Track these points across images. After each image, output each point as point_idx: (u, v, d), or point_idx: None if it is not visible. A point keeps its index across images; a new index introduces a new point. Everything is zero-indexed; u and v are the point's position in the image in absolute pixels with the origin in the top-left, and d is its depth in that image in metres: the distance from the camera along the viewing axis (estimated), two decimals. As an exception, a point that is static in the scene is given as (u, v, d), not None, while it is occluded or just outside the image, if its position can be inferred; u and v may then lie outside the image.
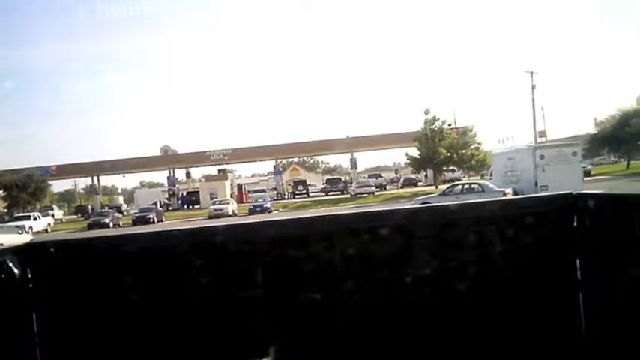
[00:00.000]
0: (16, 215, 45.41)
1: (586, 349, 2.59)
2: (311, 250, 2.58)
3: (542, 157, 26.88)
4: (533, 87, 59.60)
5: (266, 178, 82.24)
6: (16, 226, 37.97)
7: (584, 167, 51.57)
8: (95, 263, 2.54)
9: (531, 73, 58.79)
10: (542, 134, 67.84)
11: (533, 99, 59.54)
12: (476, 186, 28.59)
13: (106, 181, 75.61)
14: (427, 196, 31.39)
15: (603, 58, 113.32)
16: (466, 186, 29.03)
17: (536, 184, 26.16)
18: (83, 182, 76.68)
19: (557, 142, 34.88)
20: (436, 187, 44.98)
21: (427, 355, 2.59)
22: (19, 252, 2.45)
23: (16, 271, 2.38)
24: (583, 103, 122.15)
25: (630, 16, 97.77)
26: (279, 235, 2.63)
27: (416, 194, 38.78)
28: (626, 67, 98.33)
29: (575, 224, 2.62)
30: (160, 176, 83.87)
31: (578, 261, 2.62)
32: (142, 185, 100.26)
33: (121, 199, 76.26)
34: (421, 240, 2.62)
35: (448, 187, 31.26)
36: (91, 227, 41.84)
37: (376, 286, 2.60)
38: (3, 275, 2.32)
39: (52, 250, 2.57)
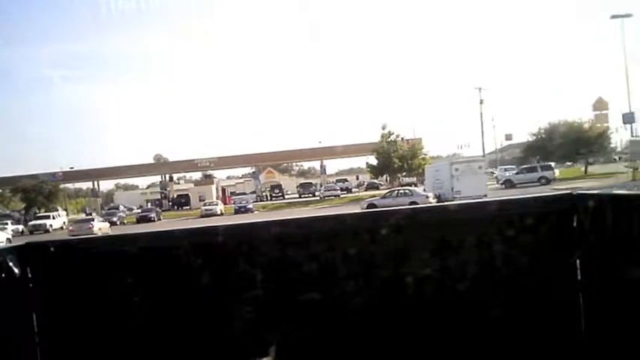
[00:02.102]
0: (38, 215, 53.31)
1: (586, 349, 2.56)
2: (311, 250, 2.56)
3: (456, 169, 36.34)
4: (481, 101, 69.60)
5: (242, 180, 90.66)
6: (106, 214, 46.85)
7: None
8: (95, 263, 2.53)
9: (479, 89, 68.93)
10: (509, 137, 77.55)
11: (481, 112, 69.48)
12: (407, 191, 38.25)
13: (83, 184, 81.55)
14: (374, 198, 40.61)
15: (565, 69, 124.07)
16: (400, 191, 38.62)
17: (452, 190, 35.60)
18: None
19: (468, 158, 44.31)
20: (392, 191, 54.28)
21: (428, 355, 2.59)
22: (19, 252, 2.42)
23: (16, 271, 2.36)
24: (543, 109, 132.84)
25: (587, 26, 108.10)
26: (279, 235, 2.60)
27: (374, 196, 47.49)
28: (587, 77, 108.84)
29: (575, 224, 2.59)
30: (137, 180, 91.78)
31: (578, 261, 2.60)
32: (118, 188, 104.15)
33: (98, 201, 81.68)
34: (421, 240, 2.60)
35: (387, 192, 40.99)
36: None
37: (377, 287, 2.59)
38: (3, 275, 2.29)
39: (52, 250, 2.56)
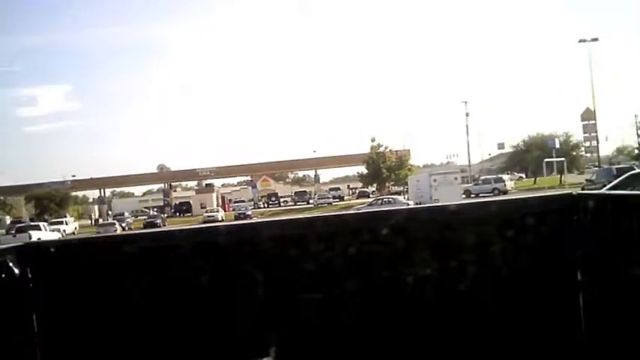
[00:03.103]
0: (51, 221, 57.21)
1: (586, 348, 2.56)
2: (311, 250, 2.56)
3: (435, 180, 40.87)
4: (467, 114, 74.17)
5: (238, 188, 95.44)
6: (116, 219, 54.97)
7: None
8: (95, 263, 2.53)
9: (465, 102, 73.57)
10: (502, 146, 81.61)
11: (467, 125, 73.94)
12: (390, 199, 42.80)
13: (81, 192, 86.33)
14: (362, 205, 45.06)
15: (557, 79, 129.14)
16: (385, 199, 43.16)
17: (431, 198, 39.94)
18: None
19: (445, 171, 49.04)
20: (380, 199, 58.86)
21: (427, 354, 2.59)
22: (19, 252, 2.42)
23: (16, 271, 2.35)
24: (536, 118, 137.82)
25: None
26: (279, 235, 2.62)
27: (363, 203, 52.00)
28: (578, 87, 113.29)
29: (575, 224, 2.59)
30: (133, 187, 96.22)
31: (578, 261, 2.59)
32: (114, 195, 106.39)
33: (96, 208, 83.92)
34: (421, 240, 2.60)
35: (373, 200, 45.56)
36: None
37: (376, 286, 2.59)
38: (3, 275, 2.28)
39: (52, 250, 2.57)
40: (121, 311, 2.49)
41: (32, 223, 48.91)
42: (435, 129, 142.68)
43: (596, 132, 56.35)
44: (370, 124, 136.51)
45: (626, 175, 21.49)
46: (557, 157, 60.51)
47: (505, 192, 50.80)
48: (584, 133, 65.41)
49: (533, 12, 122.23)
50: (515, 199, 3.43)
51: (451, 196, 38.35)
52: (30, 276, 2.42)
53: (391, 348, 2.53)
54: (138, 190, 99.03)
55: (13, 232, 42.40)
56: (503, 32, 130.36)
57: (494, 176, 58.64)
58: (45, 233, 42.71)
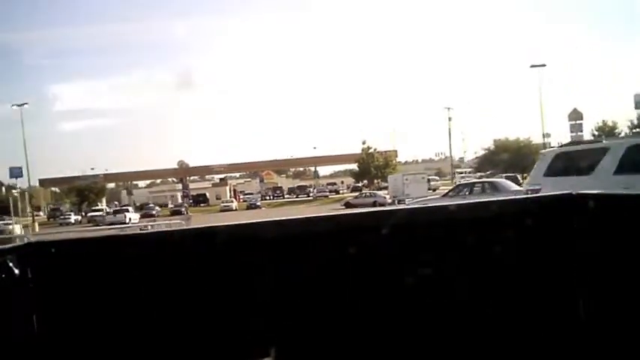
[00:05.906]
0: (94, 208, 68.73)
1: (585, 351, 2.58)
2: (311, 249, 2.58)
3: (406, 179, 52.15)
4: (449, 119, 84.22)
5: (242, 181, 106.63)
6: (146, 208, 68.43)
7: (472, 182, 77.23)
8: (96, 263, 2.52)
9: (448, 108, 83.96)
10: (498, 142, 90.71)
11: (449, 129, 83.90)
12: (372, 193, 54.52)
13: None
14: (350, 198, 56.54)
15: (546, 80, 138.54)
16: (367, 193, 54.79)
17: (403, 193, 51.14)
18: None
19: (415, 172, 60.49)
20: (369, 193, 70.51)
21: (427, 355, 2.62)
22: (19, 252, 2.40)
23: (16, 271, 2.31)
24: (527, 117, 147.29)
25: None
26: (279, 234, 2.63)
27: (352, 196, 63.29)
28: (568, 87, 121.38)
29: (575, 224, 2.61)
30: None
31: (577, 262, 2.61)
32: (118, 187, 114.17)
33: (132, 198, 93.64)
34: (421, 240, 2.62)
35: (359, 194, 57.28)
36: (142, 217, 64.20)
37: (376, 287, 2.59)
38: (3, 276, 2.25)
39: (52, 250, 2.53)
40: (122, 312, 2.46)
41: (123, 207, 64.43)
42: (432, 127, 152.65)
43: (544, 137, 66.46)
44: (368, 122, 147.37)
45: (454, 185, 31.56)
46: (522, 159, 71.09)
47: (434, 189, 62.69)
48: (571, 132, 69.64)
49: (531, 16, 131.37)
50: (514, 198, 3.47)
51: (419, 192, 49.66)
52: (30, 276, 2.34)
53: (392, 348, 2.55)
54: (140, 183, 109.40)
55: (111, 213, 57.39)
56: (501, 34, 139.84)
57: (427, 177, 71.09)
58: (133, 214, 56.90)
